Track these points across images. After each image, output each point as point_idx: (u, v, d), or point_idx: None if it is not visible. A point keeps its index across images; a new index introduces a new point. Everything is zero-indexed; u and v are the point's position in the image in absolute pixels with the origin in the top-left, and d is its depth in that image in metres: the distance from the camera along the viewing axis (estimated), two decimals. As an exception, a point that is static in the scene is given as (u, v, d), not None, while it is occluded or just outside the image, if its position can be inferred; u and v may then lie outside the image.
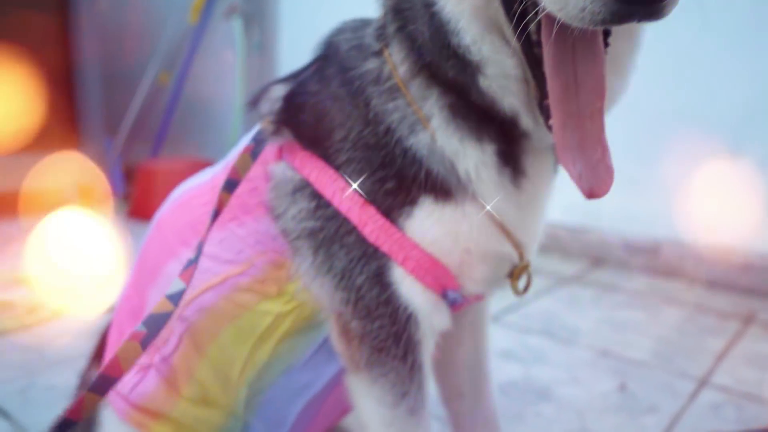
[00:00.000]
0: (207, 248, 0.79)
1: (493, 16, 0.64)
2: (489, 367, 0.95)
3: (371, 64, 0.71)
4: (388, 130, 0.68)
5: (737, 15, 2.06)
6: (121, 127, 3.58)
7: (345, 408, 0.89)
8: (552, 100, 0.61)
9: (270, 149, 0.77)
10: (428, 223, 0.69)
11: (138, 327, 0.70)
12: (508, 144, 0.70)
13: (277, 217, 0.74)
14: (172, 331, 0.80)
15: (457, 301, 0.74)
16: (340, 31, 0.77)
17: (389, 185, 0.68)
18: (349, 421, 1.17)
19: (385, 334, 0.71)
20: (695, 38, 2.12)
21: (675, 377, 1.47)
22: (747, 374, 1.48)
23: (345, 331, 0.74)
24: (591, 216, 2.48)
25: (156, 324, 0.71)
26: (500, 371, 1.45)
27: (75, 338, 1.59)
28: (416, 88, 0.69)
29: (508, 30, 0.64)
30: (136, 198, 3.03)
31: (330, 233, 0.71)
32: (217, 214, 0.76)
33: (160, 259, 0.83)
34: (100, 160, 3.09)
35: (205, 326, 0.79)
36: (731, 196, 2.18)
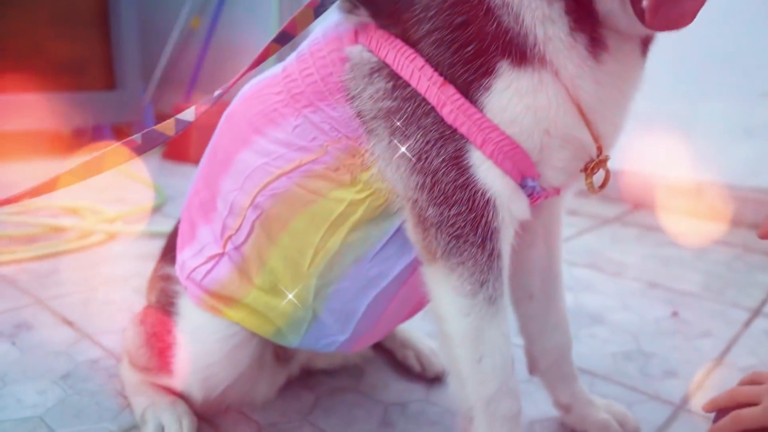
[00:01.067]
0: (281, 135, 0.78)
1: None
2: (561, 270, 0.93)
3: None
4: None
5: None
6: (154, 72, 3.57)
7: (415, 306, 0.89)
8: None
9: (344, 32, 0.75)
10: (506, 96, 0.66)
11: (135, 137, 0.72)
12: (580, 6, 0.65)
13: (352, 98, 0.73)
14: (244, 218, 0.80)
15: (535, 190, 0.72)
16: None
17: (468, 51, 0.65)
18: (403, 327, 1.18)
19: (462, 220, 0.69)
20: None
21: (727, 307, 1.46)
22: (801, 306, 1.47)
23: (421, 220, 0.72)
24: (630, 158, 2.43)
25: (151, 139, 0.73)
26: (551, 297, 1.44)
27: (128, 260, 1.62)
28: None
29: None
30: (171, 140, 3.04)
31: (407, 114, 0.69)
32: (258, 62, 0.75)
33: (232, 149, 0.83)
34: (135, 103, 3.09)
35: (277, 213, 0.78)
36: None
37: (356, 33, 0.74)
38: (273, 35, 0.75)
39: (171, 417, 0.87)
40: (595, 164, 0.73)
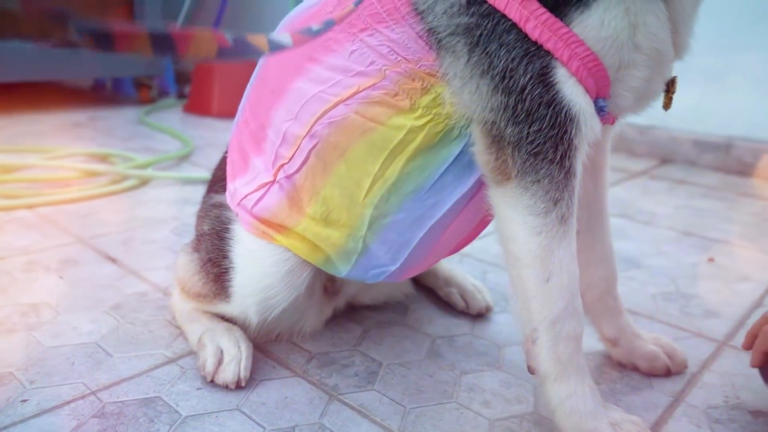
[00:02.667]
0: (337, 61, 0.76)
1: None
2: (607, 205, 0.93)
3: None
4: None
5: None
6: (176, 22, 3.53)
7: (464, 238, 0.90)
8: None
9: None
10: (611, 14, 0.65)
11: (228, 36, 0.58)
12: None
13: (422, 14, 0.71)
14: (299, 148, 0.79)
15: (603, 110, 0.72)
16: None
17: None
18: (443, 269, 1.19)
19: (542, 138, 0.68)
20: None
21: (763, 254, 1.45)
22: (837, 254, 1.46)
23: (496, 140, 0.71)
24: (659, 113, 2.40)
25: (242, 48, 0.59)
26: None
27: (163, 204, 1.63)
28: None
29: None
30: (193, 93, 3.02)
31: (487, 31, 0.67)
32: None
33: (284, 78, 0.81)
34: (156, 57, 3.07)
35: (334, 142, 0.77)
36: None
37: None
38: None
39: (229, 341, 0.88)
40: (672, 83, 0.75)
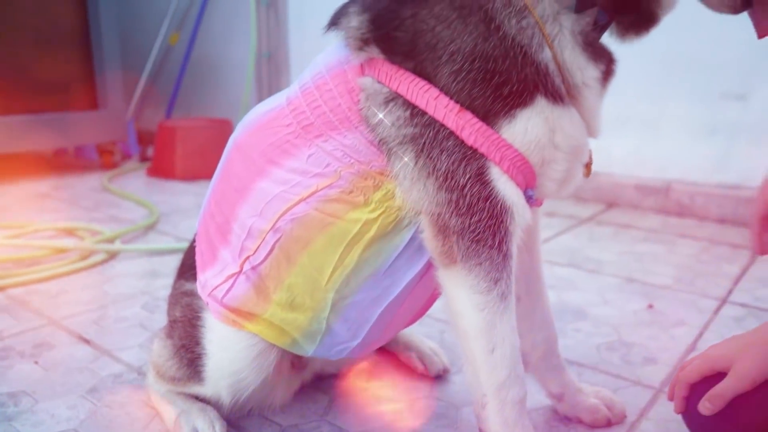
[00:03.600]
0: (296, 164, 0.86)
1: None
2: (542, 272, 1.03)
3: None
4: (515, 45, 0.75)
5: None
6: (135, 90, 3.61)
7: (418, 312, 0.99)
8: None
9: (349, 66, 0.84)
10: (533, 122, 0.77)
11: None
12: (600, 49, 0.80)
13: (373, 127, 0.81)
14: (263, 241, 0.88)
15: (532, 198, 0.83)
16: None
17: (505, 89, 0.75)
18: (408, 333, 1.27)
19: (483, 227, 0.79)
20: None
21: (698, 297, 1.58)
22: (763, 293, 1.60)
23: (442, 229, 0.81)
24: (602, 160, 2.56)
25: None
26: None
27: (132, 278, 1.68)
28: (543, 9, 0.77)
29: None
30: (156, 156, 3.08)
31: (429, 139, 0.78)
32: None
33: (248, 178, 0.90)
34: (118, 122, 3.13)
35: (297, 235, 0.86)
36: (737, 137, 2.28)
37: (362, 67, 0.83)
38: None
39: (204, 421, 0.94)
40: (590, 159, 0.88)
